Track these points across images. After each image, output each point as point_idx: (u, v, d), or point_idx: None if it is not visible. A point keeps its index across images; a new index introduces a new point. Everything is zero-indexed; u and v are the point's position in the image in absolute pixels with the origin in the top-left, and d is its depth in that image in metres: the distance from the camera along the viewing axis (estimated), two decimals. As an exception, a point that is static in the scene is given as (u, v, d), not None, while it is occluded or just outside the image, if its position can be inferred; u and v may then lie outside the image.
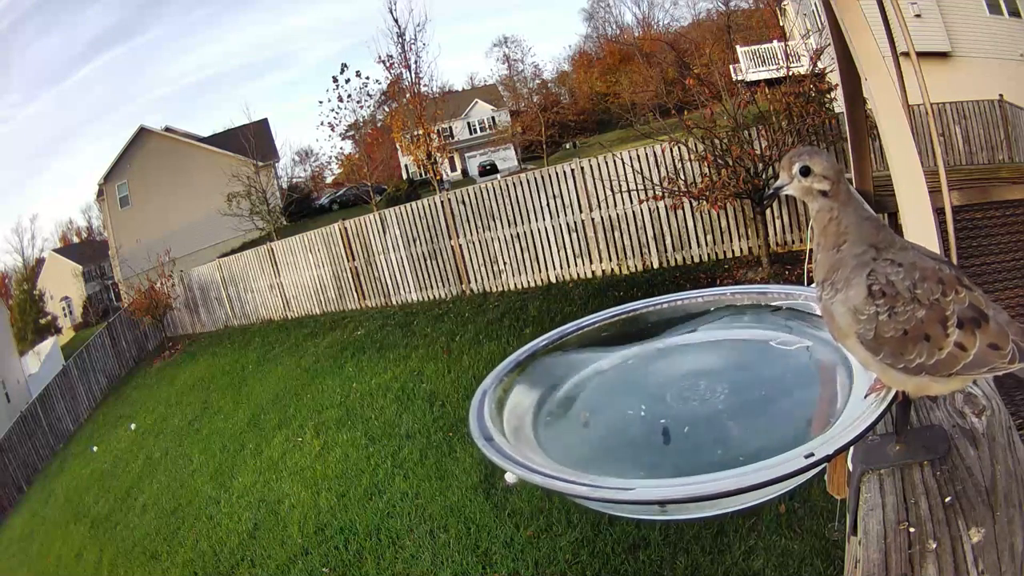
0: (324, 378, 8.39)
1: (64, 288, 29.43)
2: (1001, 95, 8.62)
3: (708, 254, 7.62)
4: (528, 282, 8.77)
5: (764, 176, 6.40)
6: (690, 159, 7.03)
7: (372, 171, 17.50)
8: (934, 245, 1.82)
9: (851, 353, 0.78)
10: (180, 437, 9.13)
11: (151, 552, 6.58)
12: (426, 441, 5.87)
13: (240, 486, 6.75)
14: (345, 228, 10.56)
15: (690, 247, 7.71)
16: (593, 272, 8.31)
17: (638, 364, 1.03)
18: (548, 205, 8.46)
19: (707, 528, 3.61)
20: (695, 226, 7.63)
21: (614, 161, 7.87)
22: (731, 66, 16.82)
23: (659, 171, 7.46)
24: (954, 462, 0.80)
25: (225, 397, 9.61)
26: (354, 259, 10.55)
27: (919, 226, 1.83)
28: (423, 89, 16.94)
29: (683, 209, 7.42)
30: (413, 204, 9.74)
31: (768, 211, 6.97)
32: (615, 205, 7.99)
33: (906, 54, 3.02)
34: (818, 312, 0.85)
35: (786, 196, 0.81)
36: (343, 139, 23.80)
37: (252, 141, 21.13)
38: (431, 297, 9.63)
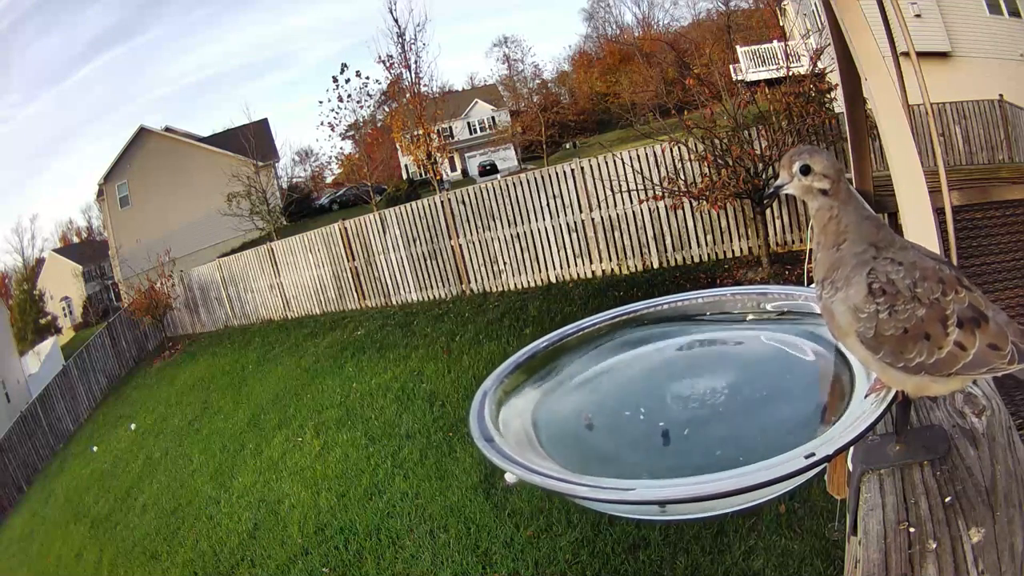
0: (324, 378, 8.39)
1: (64, 288, 29.44)
2: (1001, 95, 8.62)
3: (708, 254, 7.62)
4: (528, 282, 8.77)
5: (764, 176, 6.39)
6: (690, 159, 7.03)
7: (372, 171, 17.50)
8: (934, 245, 1.82)
9: (851, 352, 0.78)
10: (180, 437, 9.13)
11: (151, 552, 6.58)
12: (426, 441, 5.87)
13: (240, 486, 6.75)
14: (345, 228, 10.56)
15: (690, 247, 7.71)
16: (593, 272, 8.31)
17: (639, 365, 1.03)
18: (548, 205, 8.46)
19: (707, 528, 3.61)
20: (695, 226, 7.63)
21: (614, 161, 7.87)
22: (731, 66, 16.82)
23: (659, 171, 7.46)
24: (954, 462, 0.80)
25: (225, 397, 9.61)
26: (354, 259, 10.55)
27: (919, 226, 1.83)
28: (423, 89, 16.96)
29: (683, 209, 7.42)
30: (413, 204, 9.74)
31: (768, 211, 6.97)
32: (615, 205, 8.00)
33: (906, 54, 3.02)
34: (818, 311, 0.85)
35: (786, 196, 0.81)
36: (343, 139, 23.82)
37: (252, 141, 21.13)
38: (431, 297, 9.63)
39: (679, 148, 7.19)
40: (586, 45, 31.84)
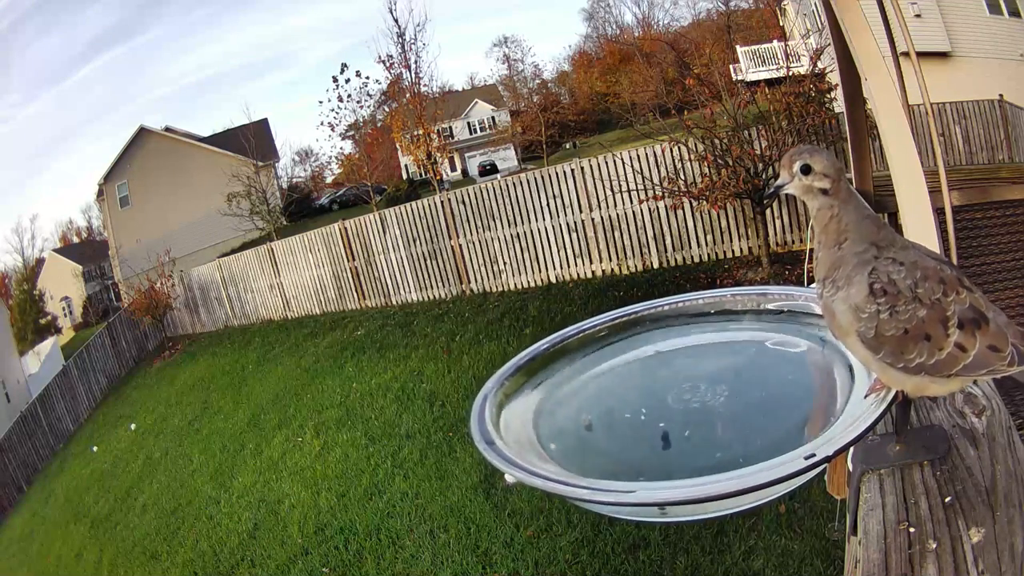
0: (324, 378, 8.39)
1: (64, 288, 29.43)
2: (1001, 95, 8.62)
3: (708, 254, 7.62)
4: (528, 282, 8.77)
5: (764, 176, 6.40)
6: (690, 159, 7.03)
7: (372, 171, 17.49)
8: (934, 245, 1.83)
9: (851, 351, 0.78)
10: (180, 437, 9.13)
11: (151, 552, 6.59)
12: (426, 441, 5.87)
13: (240, 486, 6.76)
14: (345, 228, 10.56)
15: (690, 247, 7.71)
16: (593, 272, 8.31)
17: (639, 366, 1.03)
18: (548, 205, 8.46)
19: (707, 528, 3.61)
20: (695, 226, 7.63)
21: (614, 161, 7.87)
22: (731, 66, 16.82)
23: (659, 171, 7.46)
24: (954, 462, 0.80)
25: (225, 397, 9.61)
26: (354, 259, 10.55)
27: (919, 226, 1.83)
28: (423, 89, 16.95)
29: (683, 209, 7.42)
30: (413, 204, 9.74)
31: (768, 211, 6.97)
32: (615, 205, 8.00)
33: (906, 54, 3.02)
34: (818, 312, 0.85)
35: (786, 196, 0.81)
36: (343, 139, 23.78)
37: (252, 141, 21.13)
38: (431, 297, 9.63)
39: (679, 148, 7.19)
40: (586, 45, 31.86)
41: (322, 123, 25.05)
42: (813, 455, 0.65)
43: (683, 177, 7.20)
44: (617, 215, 8.02)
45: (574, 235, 8.35)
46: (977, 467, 0.78)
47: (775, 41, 16.07)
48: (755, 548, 3.44)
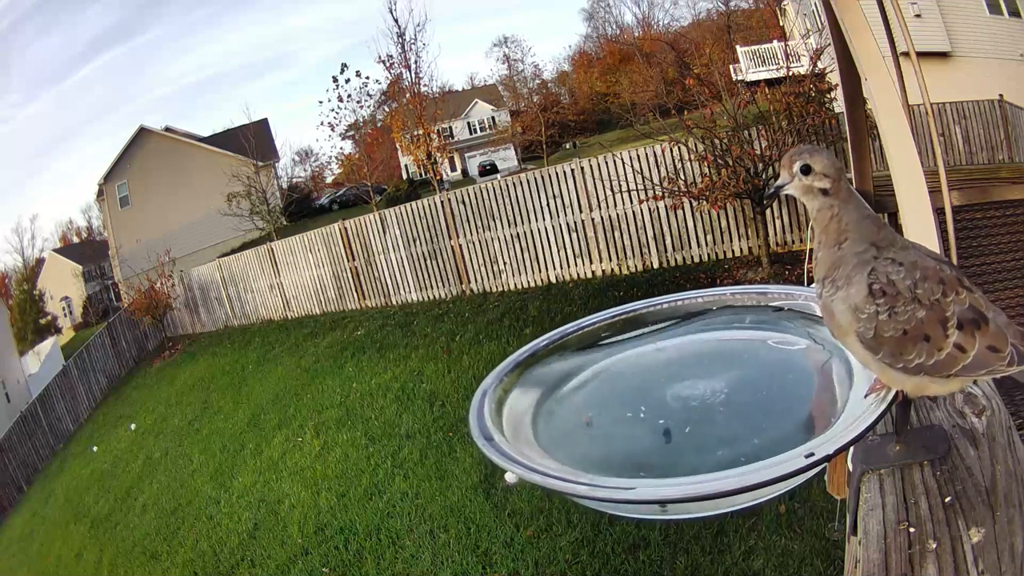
0: (324, 378, 8.39)
1: (64, 288, 29.42)
2: (1001, 95, 8.61)
3: (708, 254, 7.62)
4: (528, 282, 8.77)
5: (764, 176, 6.40)
6: (690, 159, 7.03)
7: (372, 171, 17.49)
8: (934, 245, 1.83)
9: (850, 351, 0.78)
10: (180, 437, 9.13)
11: (151, 552, 6.58)
12: (426, 441, 5.87)
13: (240, 486, 6.75)
14: (345, 228, 10.56)
15: (690, 247, 7.71)
16: (593, 272, 8.31)
17: (639, 364, 1.03)
18: (548, 205, 8.46)
19: (707, 528, 3.61)
20: (695, 226, 7.63)
21: (614, 161, 7.87)
22: (731, 66, 16.82)
23: (659, 171, 7.46)
24: (954, 462, 0.80)
25: (225, 397, 9.61)
26: (354, 259, 10.55)
27: (919, 226, 1.83)
28: (423, 89, 16.96)
29: (683, 209, 7.42)
30: (413, 204, 9.74)
31: (768, 211, 6.97)
32: (615, 205, 8.00)
33: (906, 54, 3.02)
34: (818, 312, 0.85)
35: (786, 196, 0.81)
36: (343, 139, 23.77)
37: (252, 141, 21.12)
38: (431, 297, 9.63)
39: (679, 148, 7.19)
40: (586, 45, 31.84)
41: (322, 123, 25.06)
42: (813, 454, 0.66)
43: (683, 177, 7.20)
44: (617, 215, 8.02)
45: (574, 235, 8.35)
46: (977, 467, 0.78)
47: (775, 41, 16.07)
48: (755, 548, 3.44)
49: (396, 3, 16.76)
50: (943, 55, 9.72)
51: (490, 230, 8.95)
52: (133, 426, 10.74)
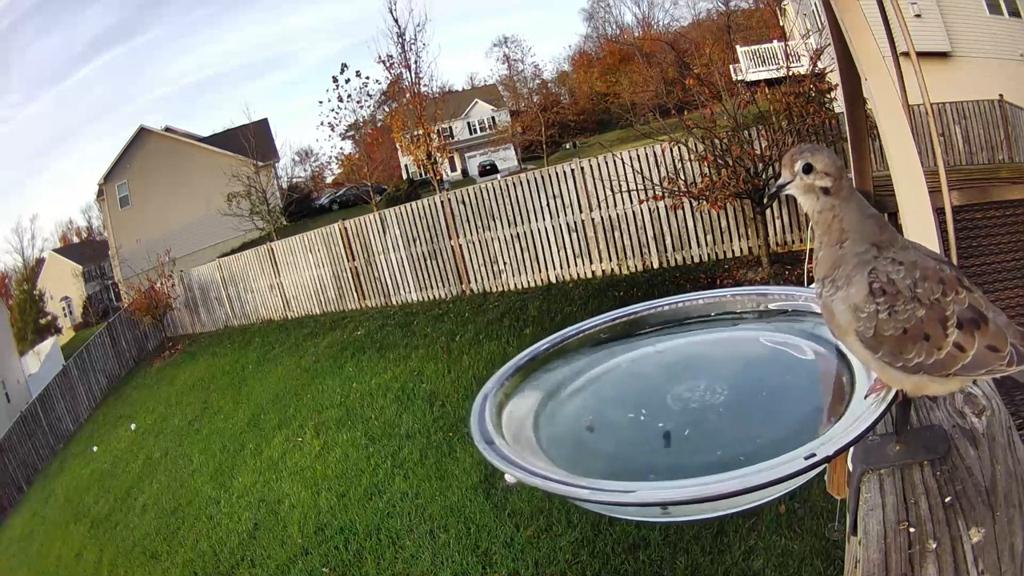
0: (324, 378, 8.39)
1: (64, 288, 29.41)
2: (1001, 95, 8.61)
3: (708, 254, 7.62)
4: (528, 282, 8.77)
5: (764, 176, 6.40)
6: (690, 159, 7.03)
7: (372, 171, 17.50)
8: (934, 245, 1.83)
9: (850, 350, 0.78)
10: (180, 437, 9.13)
11: (151, 552, 6.59)
12: (426, 441, 5.87)
13: (240, 486, 6.76)
14: (345, 228, 10.56)
15: (690, 247, 7.71)
16: (593, 272, 8.31)
17: (639, 366, 1.03)
18: (548, 205, 8.46)
19: (707, 528, 3.61)
20: (695, 226, 7.63)
21: (614, 161, 7.87)
22: (731, 66, 16.81)
23: (659, 171, 7.46)
24: (954, 462, 0.80)
25: (225, 397, 9.61)
26: (354, 259, 10.55)
27: (919, 226, 1.83)
28: (423, 89, 16.95)
29: (683, 209, 7.42)
30: (413, 204, 9.74)
31: (768, 211, 6.97)
32: (615, 205, 8.00)
33: (906, 54, 3.02)
34: (818, 311, 0.85)
35: (787, 196, 0.81)
36: (343, 139, 23.76)
37: (252, 141, 21.11)
38: (431, 297, 9.63)
39: (679, 148, 7.19)
40: (586, 45, 31.80)
41: (322, 123, 25.06)
42: (813, 455, 0.66)
43: (683, 177, 7.20)
44: (617, 215, 8.02)
45: (574, 235, 8.35)
46: (977, 467, 0.78)
47: (775, 41, 16.05)
48: (755, 548, 3.44)
49: (396, 3, 16.78)
50: (943, 55, 9.72)
51: (490, 230, 8.95)
52: (133, 426, 10.74)
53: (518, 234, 8.75)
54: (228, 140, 23.52)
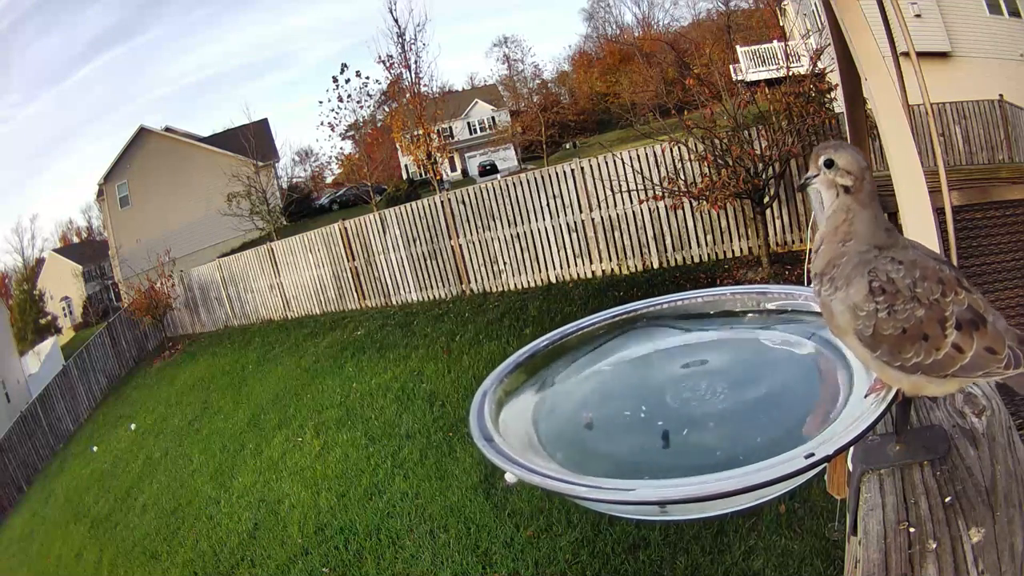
0: (324, 378, 8.39)
1: (64, 288, 29.41)
2: (1001, 95, 8.61)
3: (708, 254, 7.62)
4: (528, 282, 8.77)
5: (764, 176, 6.39)
6: (690, 159, 7.03)
7: (372, 171, 17.49)
8: (934, 245, 1.83)
9: (849, 349, 0.78)
10: (180, 437, 9.13)
11: (151, 552, 6.59)
12: (426, 441, 5.87)
13: (240, 486, 6.75)
14: (345, 228, 10.56)
15: (690, 247, 7.71)
16: (593, 272, 8.31)
17: (639, 365, 1.03)
18: (548, 205, 8.46)
19: (707, 528, 3.61)
20: (695, 226, 7.63)
21: (614, 161, 7.87)
22: (731, 66, 16.80)
23: (659, 171, 7.46)
24: (954, 462, 0.80)
25: (225, 397, 9.61)
26: (354, 259, 10.55)
27: (919, 226, 1.84)
28: (423, 89, 16.94)
29: (683, 209, 7.42)
30: (413, 204, 9.74)
31: (768, 211, 6.97)
32: (615, 205, 8.00)
33: (906, 54, 3.02)
34: (818, 311, 0.85)
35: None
36: (343, 139, 23.75)
37: (252, 141, 21.12)
38: (431, 297, 9.63)
39: (679, 148, 7.19)
40: (586, 45, 31.80)
41: (322, 123, 25.07)
42: (813, 454, 0.66)
43: (683, 177, 7.20)
44: (617, 215, 8.02)
45: (574, 235, 8.35)
46: (977, 467, 0.78)
47: (775, 41, 16.06)
48: (755, 548, 3.44)
49: (396, 3, 16.78)
50: (943, 55, 9.71)
51: (490, 230, 8.95)
52: (133, 426, 10.74)
53: (518, 234, 8.75)
54: (228, 140, 23.52)
